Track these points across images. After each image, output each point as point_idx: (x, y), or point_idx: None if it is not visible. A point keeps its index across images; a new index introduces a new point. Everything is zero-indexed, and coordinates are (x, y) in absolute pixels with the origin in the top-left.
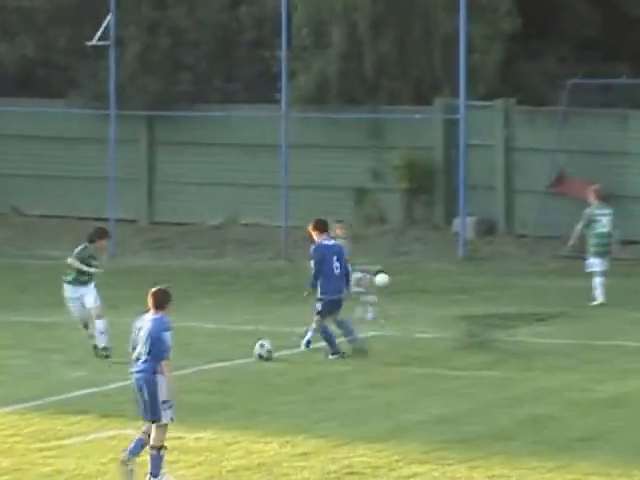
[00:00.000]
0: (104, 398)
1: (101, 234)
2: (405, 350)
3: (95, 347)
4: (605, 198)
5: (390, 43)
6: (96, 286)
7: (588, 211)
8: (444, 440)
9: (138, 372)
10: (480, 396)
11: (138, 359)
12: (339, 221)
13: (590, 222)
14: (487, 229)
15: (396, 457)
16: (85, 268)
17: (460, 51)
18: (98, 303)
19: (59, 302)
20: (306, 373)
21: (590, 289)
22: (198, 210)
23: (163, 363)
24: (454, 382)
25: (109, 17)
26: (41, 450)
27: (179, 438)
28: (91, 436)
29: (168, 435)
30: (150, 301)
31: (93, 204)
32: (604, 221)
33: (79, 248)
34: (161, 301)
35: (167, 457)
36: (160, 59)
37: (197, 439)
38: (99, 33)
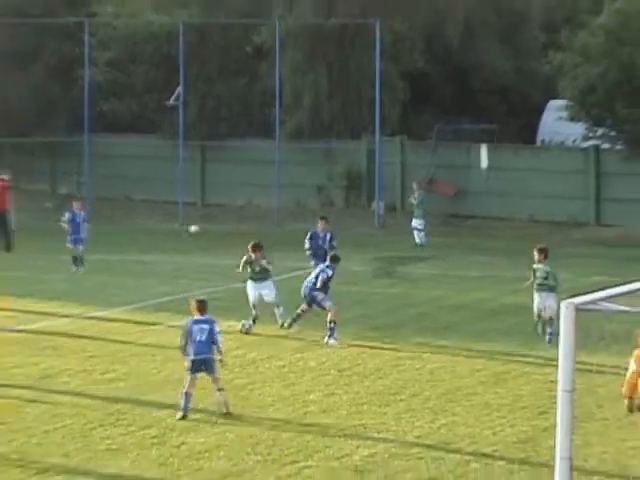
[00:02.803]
0: (178, 302)
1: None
2: (344, 277)
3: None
4: (434, 189)
5: (338, 104)
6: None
7: (416, 195)
8: (366, 328)
9: (307, 285)
10: (386, 303)
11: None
12: (323, 218)
13: (419, 202)
14: (391, 209)
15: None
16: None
17: (376, 111)
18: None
19: (150, 249)
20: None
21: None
22: (229, 197)
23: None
24: (371, 296)
25: (179, 88)
26: (142, 331)
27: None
28: (170, 324)
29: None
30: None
31: (170, 193)
32: (418, 200)
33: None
34: (335, 260)
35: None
36: (209, 113)
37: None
38: (173, 97)
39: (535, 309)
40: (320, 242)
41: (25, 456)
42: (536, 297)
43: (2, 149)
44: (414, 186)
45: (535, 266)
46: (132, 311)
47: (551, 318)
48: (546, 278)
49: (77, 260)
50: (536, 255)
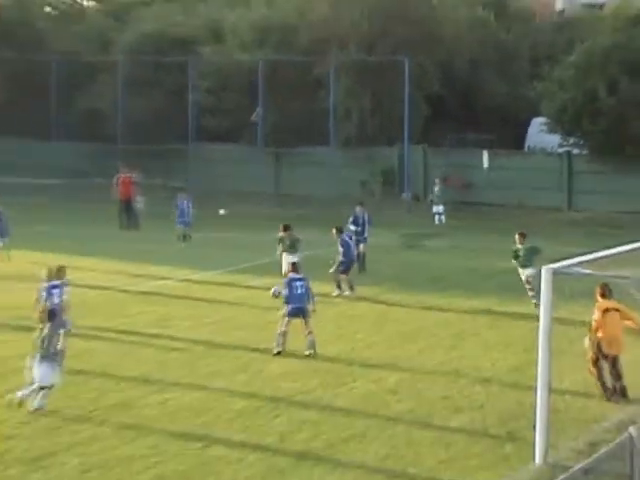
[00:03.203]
0: (259, 267)
1: (284, 228)
2: (380, 248)
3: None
4: (448, 183)
5: (377, 120)
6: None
7: (437, 188)
8: (396, 285)
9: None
10: (411, 267)
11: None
12: (360, 203)
13: (434, 194)
14: (416, 198)
15: (370, 293)
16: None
17: (405, 125)
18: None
19: (238, 229)
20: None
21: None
22: (296, 188)
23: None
24: (400, 262)
25: (258, 108)
26: (230, 288)
27: None
28: (252, 283)
29: None
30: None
31: (254, 185)
32: (439, 192)
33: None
34: (338, 230)
35: None
36: (281, 127)
37: None
38: (254, 115)
39: (523, 278)
40: (360, 220)
41: (148, 378)
42: (520, 271)
43: (129, 154)
44: (436, 181)
45: (518, 247)
46: (223, 273)
47: (530, 282)
48: (526, 255)
49: (183, 237)
50: (517, 238)
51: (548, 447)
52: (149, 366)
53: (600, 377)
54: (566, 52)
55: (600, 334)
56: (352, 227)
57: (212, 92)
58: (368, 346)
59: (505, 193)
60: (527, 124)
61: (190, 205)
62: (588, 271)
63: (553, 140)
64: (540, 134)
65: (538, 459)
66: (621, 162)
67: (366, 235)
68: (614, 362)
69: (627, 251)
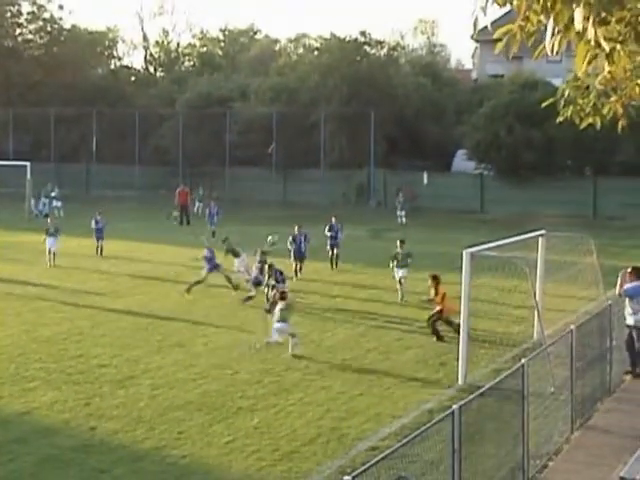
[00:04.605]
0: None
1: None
2: (354, 239)
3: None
4: (410, 194)
5: (353, 151)
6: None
7: (400, 197)
8: (368, 261)
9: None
10: (377, 250)
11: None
12: (335, 216)
13: (399, 203)
14: (378, 204)
15: (346, 268)
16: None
17: (371, 155)
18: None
19: (253, 223)
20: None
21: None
22: (297, 197)
23: None
24: (369, 247)
25: (273, 143)
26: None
27: None
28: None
29: None
30: None
31: (269, 195)
32: (402, 201)
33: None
34: (299, 227)
35: None
36: (288, 156)
37: None
38: (270, 148)
39: (397, 278)
40: (334, 229)
41: (197, 321)
42: (397, 271)
43: (185, 174)
44: (400, 194)
45: (398, 251)
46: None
47: (402, 282)
48: (403, 258)
49: (212, 233)
50: (398, 244)
51: (467, 373)
52: (196, 315)
53: (435, 326)
54: (478, 106)
55: (441, 307)
56: (327, 233)
57: (241, 133)
58: (344, 304)
59: (439, 201)
60: (453, 154)
61: (216, 210)
62: (494, 253)
63: (470, 165)
64: (462, 161)
65: (460, 381)
66: (516, 180)
67: (339, 240)
68: (448, 320)
69: (519, 240)
